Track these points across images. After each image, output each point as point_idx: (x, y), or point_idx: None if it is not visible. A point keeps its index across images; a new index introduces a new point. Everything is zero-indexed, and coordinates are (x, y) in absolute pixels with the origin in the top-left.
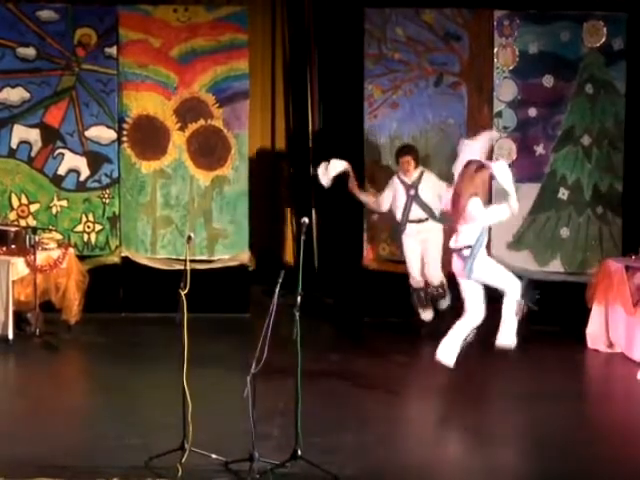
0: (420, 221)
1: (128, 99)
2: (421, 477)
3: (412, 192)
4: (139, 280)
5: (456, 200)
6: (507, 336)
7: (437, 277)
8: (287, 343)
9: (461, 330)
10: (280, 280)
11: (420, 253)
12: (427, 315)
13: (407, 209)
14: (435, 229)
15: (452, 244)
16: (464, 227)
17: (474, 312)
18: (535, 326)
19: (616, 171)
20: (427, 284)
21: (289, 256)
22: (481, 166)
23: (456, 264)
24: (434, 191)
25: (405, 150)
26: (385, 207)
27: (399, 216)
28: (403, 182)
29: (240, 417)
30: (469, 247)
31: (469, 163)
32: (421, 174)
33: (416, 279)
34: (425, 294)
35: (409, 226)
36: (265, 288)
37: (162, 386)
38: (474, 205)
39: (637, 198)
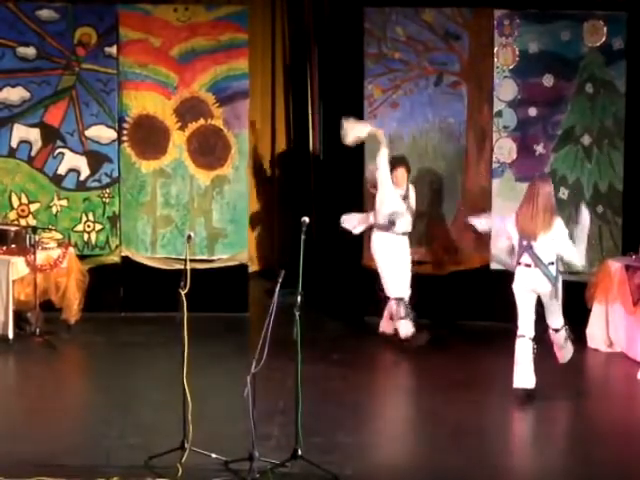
0: (404, 234)
1: (128, 98)
2: (420, 477)
3: (407, 203)
4: (139, 280)
5: (535, 215)
6: (526, 378)
7: (408, 292)
8: (287, 343)
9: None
10: (280, 280)
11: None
12: (409, 328)
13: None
14: (407, 243)
15: (532, 258)
16: (541, 242)
17: (529, 326)
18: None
19: (616, 170)
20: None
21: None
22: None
23: (532, 278)
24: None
25: (401, 161)
26: (384, 176)
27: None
28: (399, 194)
29: (240, 416)
30: (552, 264)
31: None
32: (408, 186)
33: (398, 290)
34: (405, 304)
35: (399, 239)
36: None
37: (162, 385)
38: (560, 225)
39: (637, 197)
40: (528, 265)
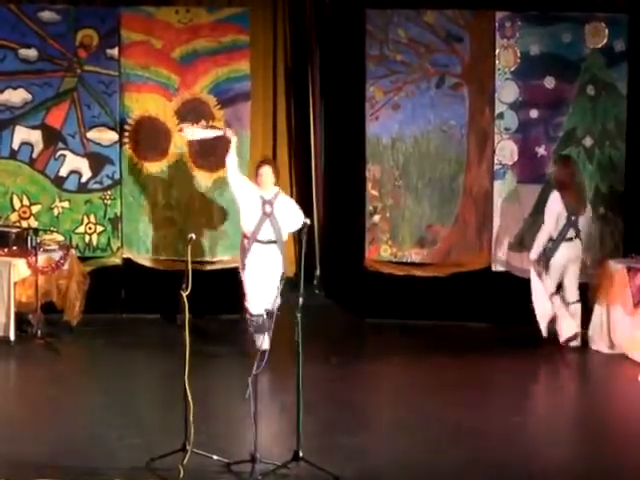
0: (269, 242)
1: (129, 100)
2: (421, 478)
3: (268, 209)
4: (140, 281)
5: (577, 192)
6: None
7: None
8: (289, 344)
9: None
10: (282, 282)
11: (263, 279)
12: (265, 343)
13: (259, 227)
14: (279, 255)
15: (575, 230)
16: (583, 216)
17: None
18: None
19: (617, 172)
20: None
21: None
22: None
23: (575, 249)
24: (287, 214)
25: (265, 162)
26: (235, 182)
27: (249, 231)
28: (260, 196)
29: (242, 418)
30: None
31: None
32: (278, 192)
33: (257, 306)
34: (264, 319)
35: (255, 246)
36: None
37: (163, 387)
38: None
39: (638, 199)
40: (570, 239)
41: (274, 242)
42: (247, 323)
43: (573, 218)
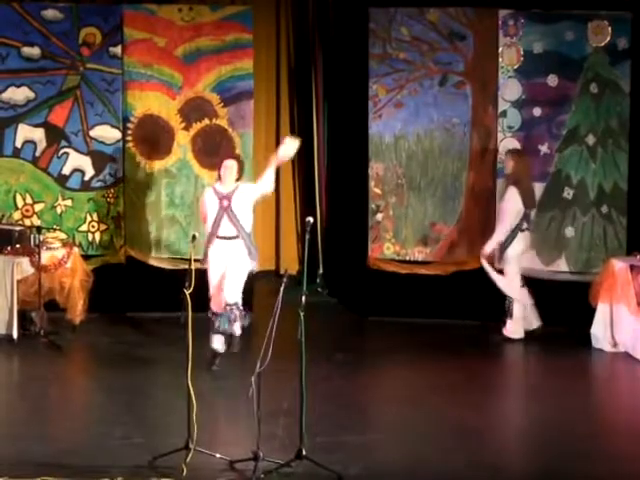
0: (229, 238)
1: (132, 98)
2: (423, 477)
3: (225, 203)
4: (143, 280)
5: (530, 185)
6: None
7: (234, 296)
8: (292, 343)
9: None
10: (285, 280)
11: (222, 274)
12: (219, 344)
13: (217, 222)
14: (242, 250)
15: (528, 223)
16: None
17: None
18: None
19: (621, 170)
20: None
21: (293, 256)
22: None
23: (528, 240)
24: (247, 200)
25: (232, 156)
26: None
27: (209, 230)
28: (217, 192)
29: (245, 416)
30: None
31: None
32: (237, 187)
33: (217, 303)
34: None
35: (217, 242)
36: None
37: (166, 385)
38: None
39: None
40: (523, 230)
41: (236, 237)
42: (211, 321)
43: (527, 211)
